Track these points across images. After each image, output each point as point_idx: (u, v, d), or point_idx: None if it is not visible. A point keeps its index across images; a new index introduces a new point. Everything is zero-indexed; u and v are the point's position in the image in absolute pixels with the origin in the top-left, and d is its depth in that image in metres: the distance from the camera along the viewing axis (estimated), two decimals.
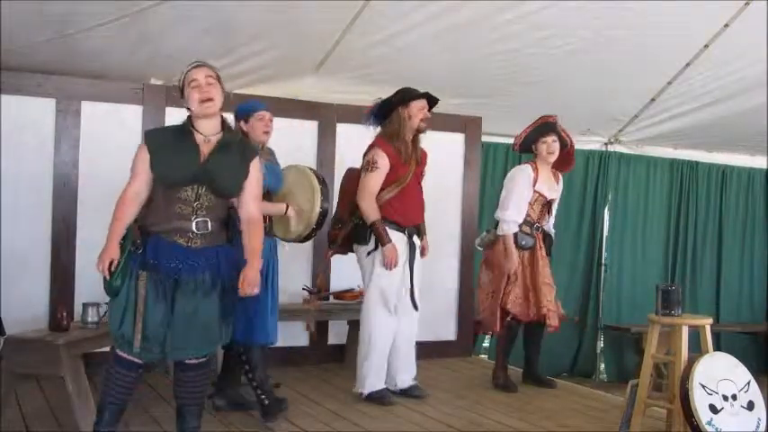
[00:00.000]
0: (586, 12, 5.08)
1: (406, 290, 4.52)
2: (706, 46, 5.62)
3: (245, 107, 4.10)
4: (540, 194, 4.96)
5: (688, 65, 5.88)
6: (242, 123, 4.04)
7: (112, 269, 3.03)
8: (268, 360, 4.13)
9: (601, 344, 7.61)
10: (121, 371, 3.16)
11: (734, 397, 3.57)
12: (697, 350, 3.77)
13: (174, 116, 5.24)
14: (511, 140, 5.27)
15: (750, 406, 3.59)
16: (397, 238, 4.47)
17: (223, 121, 3.24)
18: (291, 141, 5.19)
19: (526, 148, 5.03)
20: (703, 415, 3.47)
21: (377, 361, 4.51)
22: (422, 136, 4.60)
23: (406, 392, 4.67)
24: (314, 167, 4.73)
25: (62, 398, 3.83)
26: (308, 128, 5.69)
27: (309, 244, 5.51)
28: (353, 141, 5.61)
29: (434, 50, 5.41)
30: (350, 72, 5.67)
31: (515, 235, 4.88)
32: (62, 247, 4.98)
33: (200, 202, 3.12)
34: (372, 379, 4.53)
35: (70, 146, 5.03)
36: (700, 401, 3.49)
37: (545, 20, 5.13)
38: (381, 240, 4.40)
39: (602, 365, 7.65)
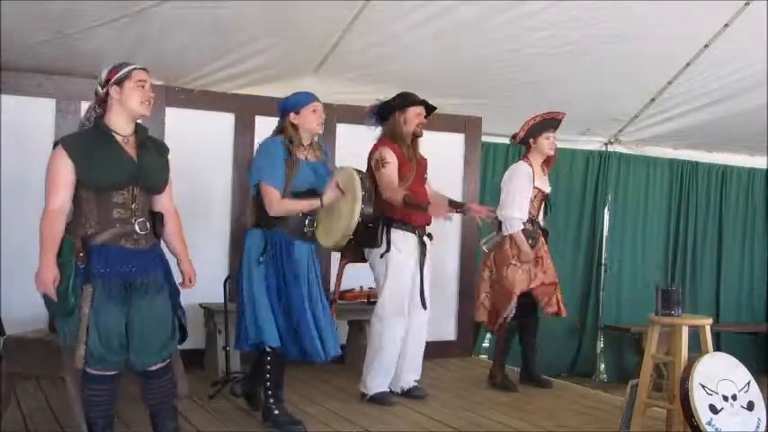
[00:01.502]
0: (586, 12, 5.08)
1: (416, 290, 4.54)
2: (706, 46, 5.62)
3: (296, 99, 3.95)
4: (540, 190, 5.01)
5: (688, 65, 5.88)
6: (292, 115, 3.90)
7: (58, 288, 2.96)
8: (283, 369, 4.03)
9: (601, 344, 7.61)
10: (99, 387, 3.12)
11: (734, 397, 3.56)
12: (697, 350, 3.77)
13: (175, 116, 5.29)
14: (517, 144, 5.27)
15: (750, 406, 3.59)
16: (408, 239, 4.50)
17: (136, 123, 3.22)
18: None
19: (525, 141, 5.03)
20: (703, 415, 3.47)
21: (386, 363, 4.52)
22: (421, 139, 4.62)
23: (406, 393, 4.68)
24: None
25: (62, 398, 3.83)
26: None
27: None
28: (353, 141, 5.61)
29: (434, 50, 5.41)
30: (350, 72, 5.67)
31: (523, 233, 4.92)
32: None
33: (137, 204, 3.13)
34: (379, 380, 4.54)
35: None
36: (700, 402, 3.49)
37: (545, 20, 5.12)
38: (420, 207, 4.36)
39: (602, 365, 7.65)
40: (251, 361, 4.34)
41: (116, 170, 3.07)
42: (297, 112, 3.90)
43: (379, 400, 4.51)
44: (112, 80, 3.13)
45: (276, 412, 3.92)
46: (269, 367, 3.91)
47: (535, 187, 4.96)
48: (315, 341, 3.80)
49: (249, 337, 3.83)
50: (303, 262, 3.87)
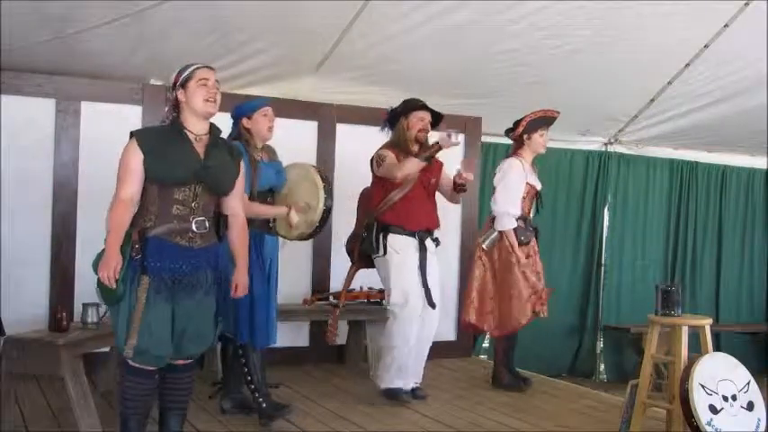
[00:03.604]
0: (586, 12, 5.08)
1: (421, 292, 4.54)
2: (706, 46, 5.62)
3: (248, 104, 4.08)
4: (532, 186, 4.99)
5: (688, 65, 5.88)
6: (245, 120, 4.00)
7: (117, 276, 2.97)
8: (265, 361, 4.11)
9: (601, 344, 7.60)
10: (138, 380, 3.13)
11: (734, 397, 3.56)
12: (697, 350, 3.77)
13: None
14: (511, 141, 5.27)
15: (750, 406, 3.59)
16: (406, 243, 4.51)
17: (210, 123, 3.25)
18: (291, 142, 5.17)
19: (520, 137, 5.01)
20: (703, 415, 3.47)
21: (399, 361, 4.51)
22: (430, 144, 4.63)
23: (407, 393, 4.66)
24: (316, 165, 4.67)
25: (62, 398, 3.83)
26: (308, 128, 5.69)
27: (309, 245, 5.53)
28: (353, 142, 5.62)
29: (434, 50, 5.41)
30: (350, 72, 5.67)
31: (515, 230, 4.90)
32: (62, 247, 4.98)
33: (198, 202, 3.13)
34: (391, 376, 4.54)
35: (70, 146, 5.03)
36: (699, 402, 3.49)
37: (545, 20, 5.12)
38: (430, 154, 4.40)
39: (602, 365, 7.64)
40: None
41: (179, 166, 3.09)
42: (249, 117, 4.01)
43: (393, 395, 4.51)
44: (178, 83, 3.18)
45: (264, 406, 3.99)
46: (244, 360, 3.98)
47: (528, 183, 4.95)
48: (270, 329, 4.00)
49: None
50: (269, 253, 4.04)
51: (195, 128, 3.18)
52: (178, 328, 3.10)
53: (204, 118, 3.19)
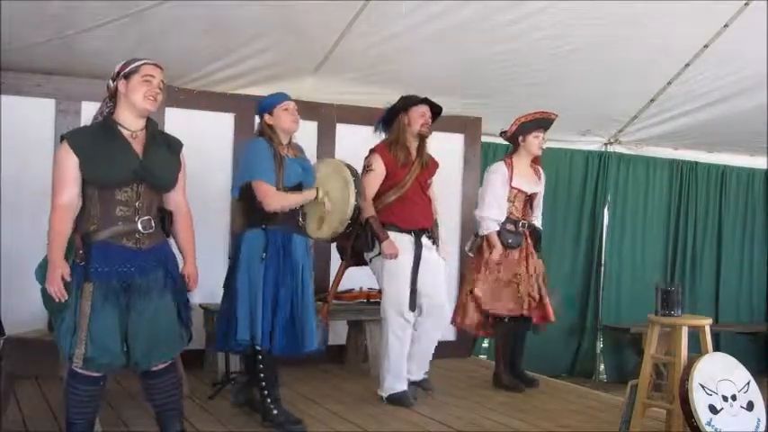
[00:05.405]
0: (586, 12, 5.08)
1: (417, 291, 4.52)
2: (706, 46, 5.62)
3: (268, 100, 4.02)
4: (519, 190, 4.98)
5: (688, 65, 5.88)
6: (266, 117, 3.97)
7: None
8: (275, 367, 4.02)
9: (600, 344, 7.60)
10: (84, 387, 3.06)
11: (733, 397, 3.57)
12: (697, 350, 3.78)
13: (175, 116, 5.29)
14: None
15: (750, 406, 3.59)
16: (401, 239, 4.50)
17: (147, 117, 3.17)
18: None
19: (514, 138, 5.02)
20: (703, 415, 3.47)
21: (394, 364, 4.51)
22: (428, 142, 4.62)
23: (415, 383, 4.66)
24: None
25: (62, 398, 3.83)
26: (308, 128, 5.67)
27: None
28: (353, 142, 5.61)
29: (434, 51, 5.40)
30: (350, 72, 5.67)
31: (499, 234, 4.92)
32: None
33: (142, 202, 3.06)
34: (390, 382, 4.54)
35: None
36: (699, 402, 3.49)
37: (545, 20, 5.12)
38: (377, 236, 4.41)
39: (602, 366, 7.65)
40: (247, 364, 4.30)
41: (119, 167, 3.01)
42: (270, 113, 3.98)
43: (397, 400, 4.51)
44: (122, 73, 3.10)
45: (275, 412, 3.92)
46: (261, 366, 3.91)
47: (513, 187, 4.94)
48: (300, 335, 3.86)
49: (239, 336, 3.82)
50: (299, 256, 3.93)
51: (130, 124, 3.10)
52: (142, 333, 3.02)
53: (140, 115, 3.11)
